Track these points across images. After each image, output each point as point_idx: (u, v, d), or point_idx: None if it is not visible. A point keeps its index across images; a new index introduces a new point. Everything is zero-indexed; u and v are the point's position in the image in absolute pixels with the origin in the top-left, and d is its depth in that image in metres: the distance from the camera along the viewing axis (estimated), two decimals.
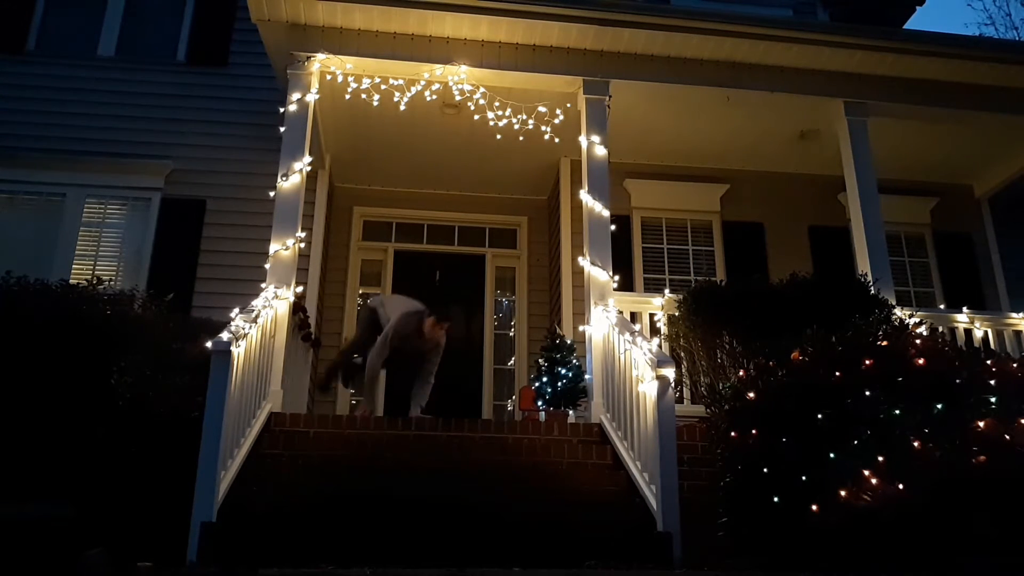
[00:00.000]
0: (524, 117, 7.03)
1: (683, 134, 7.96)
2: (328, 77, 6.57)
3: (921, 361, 4.09)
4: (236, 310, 4.82)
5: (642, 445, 4.55)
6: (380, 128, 7.62)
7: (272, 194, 6.07)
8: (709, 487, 4.53)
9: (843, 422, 3.87)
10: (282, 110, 6.33)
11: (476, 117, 6.98)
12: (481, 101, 6.82)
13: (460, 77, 6.59)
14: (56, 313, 4.58)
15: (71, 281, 5.35)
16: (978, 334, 6.67)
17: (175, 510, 3.85)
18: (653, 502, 4.27)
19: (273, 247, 5.85)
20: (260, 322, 4.87)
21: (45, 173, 7.62)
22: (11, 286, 4.87)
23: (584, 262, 6.22)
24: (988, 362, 4.24)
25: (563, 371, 5.86)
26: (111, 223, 7.70)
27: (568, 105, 6.93)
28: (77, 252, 7.50)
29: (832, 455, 3.79)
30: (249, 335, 4.53)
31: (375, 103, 6.79)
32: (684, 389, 5.91)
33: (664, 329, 6.15)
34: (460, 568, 3.43)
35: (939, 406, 3.86)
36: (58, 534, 3.75)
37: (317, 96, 6.43)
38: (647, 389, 4.43)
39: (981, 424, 3.80)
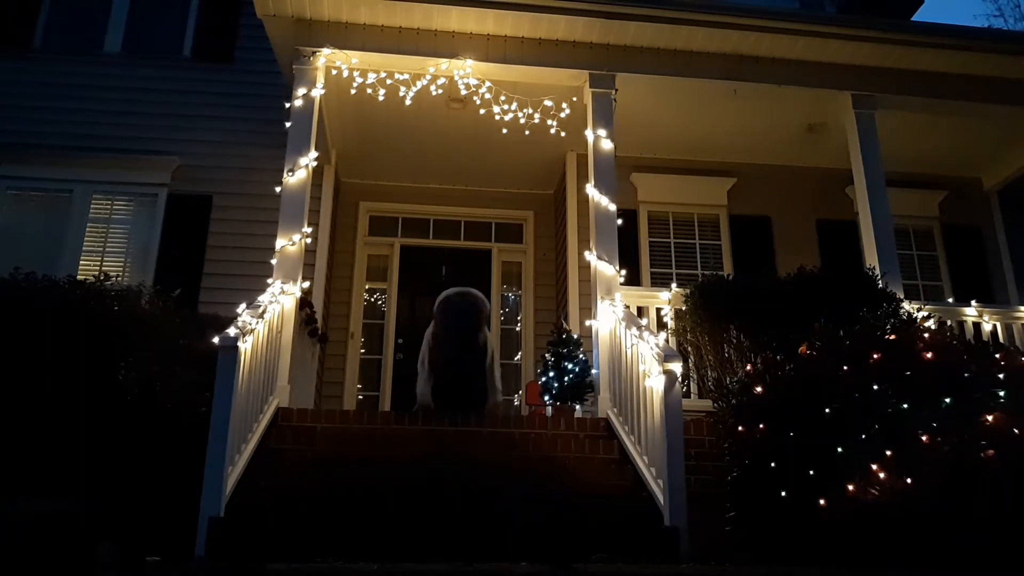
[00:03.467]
0: (530, 111, 7.01)
1: (690, 127, 7.92)
2: (334, 72, 6.56)
3: (929, 355, 4.07)
4: (243, 305, 4.84)
5: (649, 440, 4.54)
6: (386, 123, 7.60)
7: (278, 190, 6.07)
8: (716, 481, 4.53)
9: (851, 416, 3.85)
10: (288, 105, 6.32)
11: (482, 111, 6.96)
12: (487, 95, 6.80)
13: (466, 71, 6.57)
14: (64, 308, 4.60)
15: (78, 277, 5.36)
16: (987, 327, 6.63)
17: (183, 505, 3.86)
18: (660, 496, 4.27)
19: (279, 242, 5.85)
20: (267, 317, 4.87)
21: (52, 169, 7.62)
22: (19, 282, 4.88)
23: (591, 256, 6.21)
24: (997, 355, 4.21)
25: (570, 366, 5.84)
26: (118, 219, 7.70)
27: (574, 99, 6.91)
28: (84, 248, 7.50)
29: (840, 449, 3.78)
30: (256, 330, 4.54)
31: (381, 98, 6.77)
32: (691, 383, 5.90)
33: (671, 323, 6.13)
34: (467, 562, 3.44)
35: (947, 400, 3.84)
36: (69, 529, 3.77)
37: (323, 91, 6.43)
38: (654, 383, 4.42)
39: (990, 418, 3.78)
